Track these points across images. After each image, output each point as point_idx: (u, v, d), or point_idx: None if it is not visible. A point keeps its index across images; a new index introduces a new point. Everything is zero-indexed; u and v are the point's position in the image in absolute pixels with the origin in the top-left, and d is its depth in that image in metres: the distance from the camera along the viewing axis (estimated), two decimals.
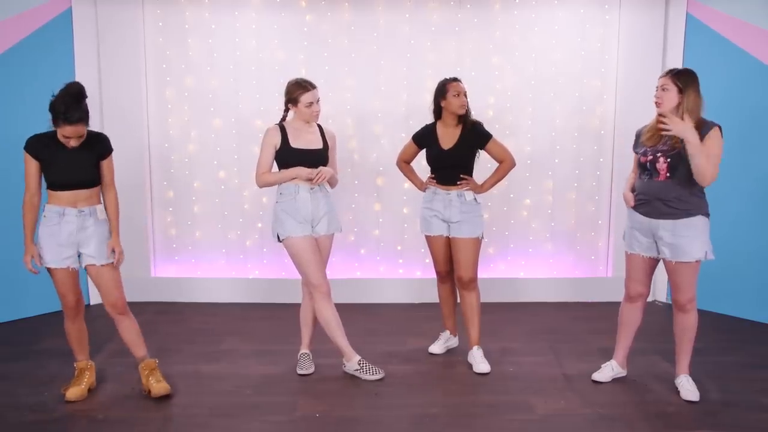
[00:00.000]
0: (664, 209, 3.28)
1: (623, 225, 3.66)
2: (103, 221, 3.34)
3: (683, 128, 3.12)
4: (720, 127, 3.24)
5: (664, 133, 3.19)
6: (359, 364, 3.69)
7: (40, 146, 3.23)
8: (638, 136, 3.47)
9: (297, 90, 3.59)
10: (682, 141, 3.20)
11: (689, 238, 3.26)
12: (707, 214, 3.32)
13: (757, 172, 4.67)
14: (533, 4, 5.09)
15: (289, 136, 3.61)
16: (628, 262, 3.54)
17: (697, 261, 3.29)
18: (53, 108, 3.11)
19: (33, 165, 3.26)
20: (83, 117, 3.13)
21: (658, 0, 4.99)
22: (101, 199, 3.39)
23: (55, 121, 3.13)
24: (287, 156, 3.59)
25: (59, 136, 3.17)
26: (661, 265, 3.48)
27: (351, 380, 3.69)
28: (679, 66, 4.88)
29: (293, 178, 3.57)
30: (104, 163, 3.36)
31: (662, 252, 3.35)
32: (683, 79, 3.26)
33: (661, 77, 3.31)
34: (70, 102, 3.08)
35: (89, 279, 3.41)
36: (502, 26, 5.12)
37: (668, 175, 3.26)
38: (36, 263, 3.27)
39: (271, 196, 4.73)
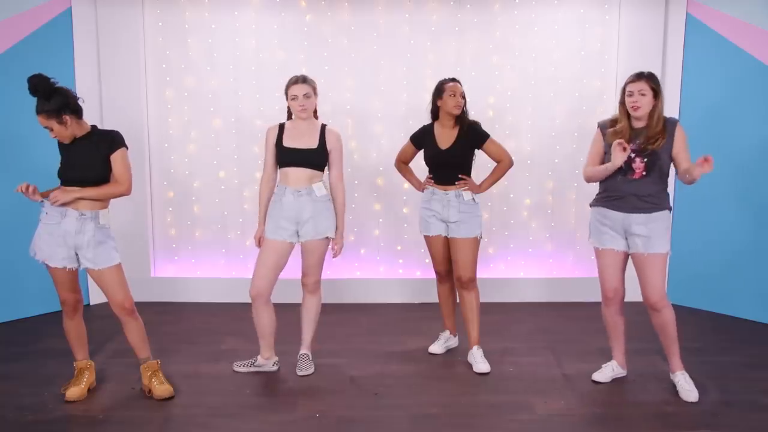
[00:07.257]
0: (638, 203, 3.36)
1: None
2: (104, 227, 3.29)
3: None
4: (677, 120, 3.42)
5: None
6: (274, 365, 3.81)
7: None
8: (604, 133, 3.46)
9: (288, 84, 3.61)
10: (654, 142, 3.30)
11: (660, 231, 3.37)
12: (671, 209, 3.45)
13: (757, 172, 4.67)
14: (533, 4, 5.09)
15: (284, 135, 3.62)
16: (600, 259, 3.56)
17: (667, 253, 3.38)
18: None
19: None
20: (43, 109, 3.13)
21: (658, 0, 4.99)
22: (108, 204, 3.35)
23: None
24: (279, 154, 3.62)
25: None
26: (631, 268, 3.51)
27: (351, 380, 3.69)
28: (679, 65, 4.92)
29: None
30: (112, 157, 3.26)
31: (634, 245, 3.40)
32: (656, 81, 3.35)
33: (633, 82, 3.33)
34: (32, 95, 3.13)
35: (89, 280, 3.41)
36: (502, 26, 5.12)
37: (644, 173, 3.34)
38: None
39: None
